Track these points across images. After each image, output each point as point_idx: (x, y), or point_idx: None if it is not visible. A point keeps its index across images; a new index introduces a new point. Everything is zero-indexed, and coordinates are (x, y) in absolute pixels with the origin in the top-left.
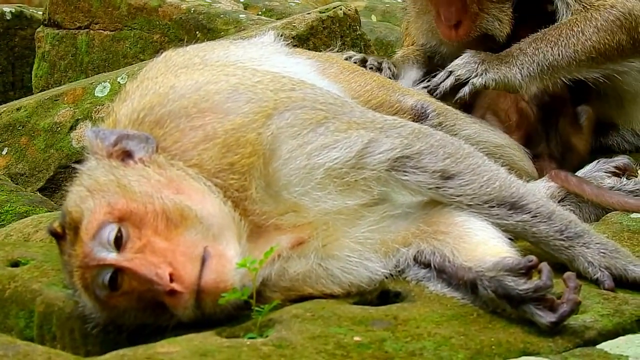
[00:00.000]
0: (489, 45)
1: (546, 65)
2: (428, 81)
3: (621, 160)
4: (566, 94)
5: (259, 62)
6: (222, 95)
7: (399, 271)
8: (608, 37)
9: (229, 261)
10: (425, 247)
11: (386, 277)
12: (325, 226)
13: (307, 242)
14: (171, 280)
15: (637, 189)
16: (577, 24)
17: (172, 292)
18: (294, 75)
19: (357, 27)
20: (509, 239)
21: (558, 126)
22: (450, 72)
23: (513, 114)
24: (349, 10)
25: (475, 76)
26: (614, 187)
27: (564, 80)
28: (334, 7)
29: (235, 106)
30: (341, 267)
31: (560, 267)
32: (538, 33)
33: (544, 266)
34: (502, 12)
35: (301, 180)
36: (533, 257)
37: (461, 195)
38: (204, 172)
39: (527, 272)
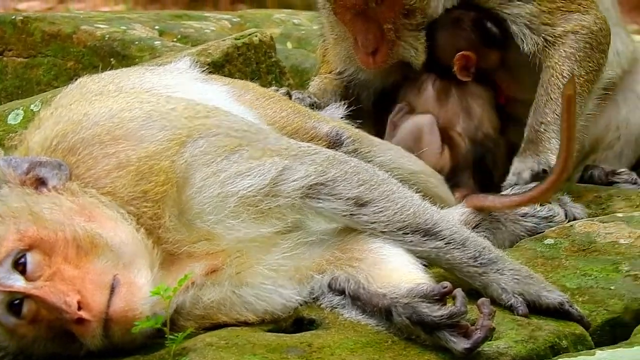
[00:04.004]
0: (405, 73)
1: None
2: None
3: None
4: (500, 131)
5: (174, 89)
6: (135, 123)
7: (314, 298)
8: (590, 64)
9: (138, 289)
10: (340, 274)
11: (300, 305)
12: (239, 254)
13: (221, 270)
14: (79, 308)
15: (551, 215)
16: (561, 70)
17: (80, 321)
18: (209, 102)
19: (273, 53)
20: (424, 265)
21: (486, 160)
22: None
23: (444, 137)
24: (265, 37)
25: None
26: (527, 213)
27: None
28: (250, 34)
29: (149, 134)
30: (255, 295)
31: (474, 293)
32: (536, 115)
33: (458, 292)
34: (418, 41)
35: (215, 208)
36: (447, 284)
37: (375, 222)
38: (117, 200)
39: (441, 298)
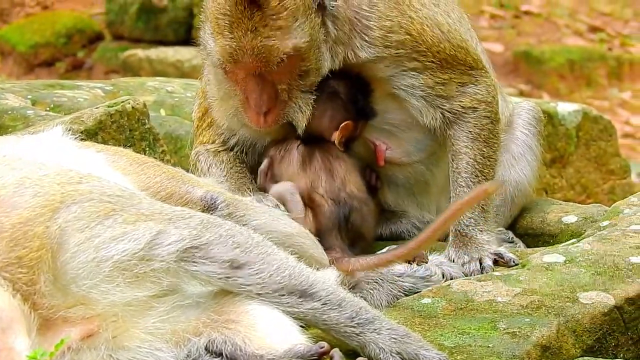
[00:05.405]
0: (290, 133)
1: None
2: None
3: None
4: (366, 192)
5: (47, 156)
6: (8, 190)
7: None
8: (495, 140)
9: (18, 354)
10: (217, 336)
11: None
12: (115, 317)
13: (97, 334)
14: None
15: (428, 275)
16: (473, 155)
17: None
18: (83, 168)
19: (146, 120)
20: (301, 326)
21: (352, 219)
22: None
23: (307, 200)
24: (138, 104)
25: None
26: (404, 273)
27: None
28: (122, 102)
29: (22, 200)
30: (132, 358)
31: (352, 353)
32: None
33: (335, 352)
34: (307, 104)
35: (89, 273)
36: (324, 344)
37: (251, 284)
38: None
39: (318, 358)
